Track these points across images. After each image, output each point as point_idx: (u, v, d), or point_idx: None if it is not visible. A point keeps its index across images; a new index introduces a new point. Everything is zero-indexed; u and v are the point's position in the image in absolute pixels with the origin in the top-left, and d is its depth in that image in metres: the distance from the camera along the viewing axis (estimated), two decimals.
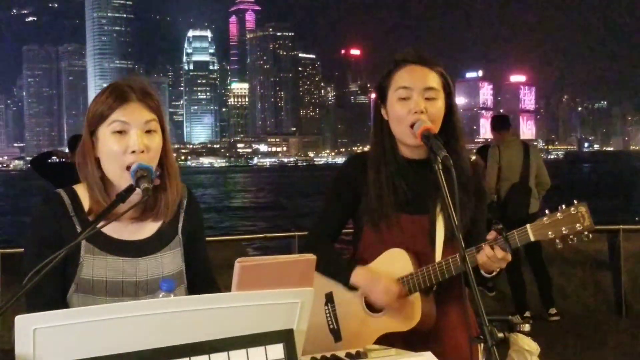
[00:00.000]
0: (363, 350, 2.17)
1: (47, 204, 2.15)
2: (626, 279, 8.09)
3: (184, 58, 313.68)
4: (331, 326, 2.65)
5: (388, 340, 2.44)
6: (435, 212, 2.50)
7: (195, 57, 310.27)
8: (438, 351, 2.32)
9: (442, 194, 2.16)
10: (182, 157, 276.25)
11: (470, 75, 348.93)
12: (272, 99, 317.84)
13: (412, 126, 2.41)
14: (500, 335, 1.92)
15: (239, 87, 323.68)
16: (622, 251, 8.07)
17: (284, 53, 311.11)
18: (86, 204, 2.15)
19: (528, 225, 2.30)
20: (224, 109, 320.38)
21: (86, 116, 2.15)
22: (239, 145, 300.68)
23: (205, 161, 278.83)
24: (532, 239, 2.29)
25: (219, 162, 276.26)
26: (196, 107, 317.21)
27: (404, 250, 2.50)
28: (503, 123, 8.26)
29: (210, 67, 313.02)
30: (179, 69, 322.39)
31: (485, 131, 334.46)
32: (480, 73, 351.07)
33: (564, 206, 2.27)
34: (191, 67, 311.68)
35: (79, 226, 2.13)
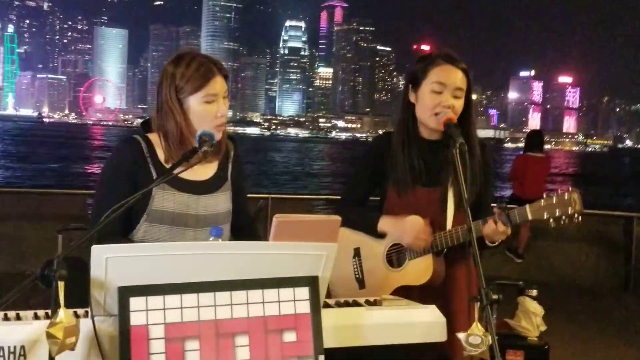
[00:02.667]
0: (379, 298, 2.20)
1: (127, 145, 2.22)
2: (636, 260, 7.91)
3: (281, 44, 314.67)
4: (357, 276, 2.69)
5: (404, 291, 2.47)
6: (447, 185, 2.51)
7: (290, 44, 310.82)
8: (444, 305, 2.34)
9: (453, 170, 2.17)
10: (273, 127, 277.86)
11: (523, 73, 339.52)
12: (351, 83, 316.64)
13: (436, 114, 2.44)
14: (495, 296, 1.92)
15: (325, 71, 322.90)
16: (635, 236, 7.91)
17: (364, 45, 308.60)
18: (159, 150, 2.23)
19: (527, 205, 2.31)
20: (310, 89, 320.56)
21: (170, 85, 2.18)
22: (321, 120, 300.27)
23: (292, 131, 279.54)
24: (530, 217, 2.30)
25: (303, 133, 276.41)
26: (288, 86, 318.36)
27: (420, 218, 2.50)
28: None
29: (302, 53, 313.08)
30: (275, 52, 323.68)
31: (535, 123, 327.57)
32: (532, 72, 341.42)
33: (559, 191, 2.26)
34: (286, 51, 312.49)
35: (152, 167, 2.20)
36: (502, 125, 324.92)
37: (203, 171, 2.28)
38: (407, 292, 2.44)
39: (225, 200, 2.31)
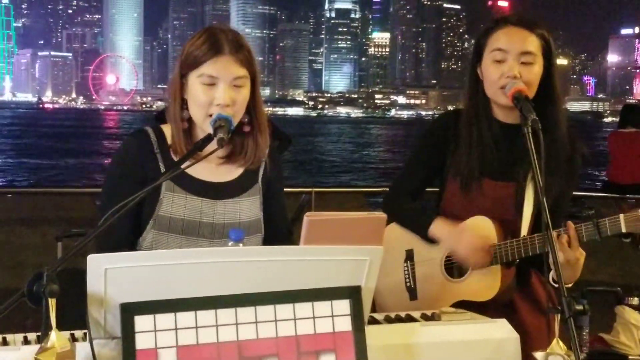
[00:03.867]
0: (438, 312, 2.19)
1: (134, 139, 2.26)
2: None
3: (326, 5, 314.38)
4: (408, 284, 2.69)
5: (464, 308, 2.44)
6: (524, 181, 2.49)
7: (337, 5, 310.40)
8: (517, 318, 2.31)
9: (532, 161, 2.13)
10: (320, 106, 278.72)
11: (625, 31, 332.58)
12: (413, 50, 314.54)
13: (502, 87, 2.42)
14: (579, 307, 1.89)
15: (380, 37, 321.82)
16: None
17: (428, 2, 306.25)
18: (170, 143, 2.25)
19: (621, 216, 2.28)
20: (363, 59, 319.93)
21: (180, 56, 2.23)
22: (377, 96, 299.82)
23: (342, 111, 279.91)
24: (624, 230, 2.26)
25: (355, 113, 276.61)
26: (336, 56, 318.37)
27: (489, 219, 2.48)
28: None
29: (352, 16, 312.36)
30: (320, 16, 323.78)
31: (638, 91, 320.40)
32: (637, 30, 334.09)
33: None
34: (332, 14, 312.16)
35: (162, 164, 2.23)
36: (600, 95, 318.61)
37: (227, 171, 2.29)
38: (467, 308, 2.41)
39: (252, 207, 2.31)
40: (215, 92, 2.15)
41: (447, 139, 2.60)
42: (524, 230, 2.48)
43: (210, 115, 2.14)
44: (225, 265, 1.75)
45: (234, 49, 2.18)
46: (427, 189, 2.78)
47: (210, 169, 2.25)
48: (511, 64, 2.43)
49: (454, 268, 2.57)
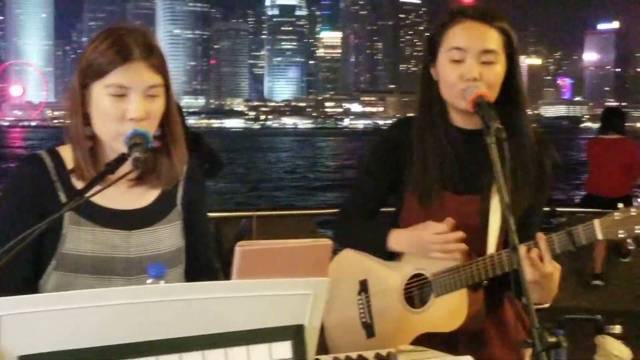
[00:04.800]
0: (394, 351, 2.18)
1: (27, 166, 2.19)
2: None
3: (267, 1, 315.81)
4: (364, 319, 2.68)
5: (429, 341, 2.45)
6: (489, 193, 2.48)
7: (281, 1, 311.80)
8: (486, 354, 2.31)
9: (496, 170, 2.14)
10: (263, 117, 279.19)
11: (602, 26, 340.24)
12: (368, 51, 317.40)
13: (463, 91, 2.42)
14: (553, 339, 1.89)
15: (330, 37, 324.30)
16: None
17: None
18: (71, 167, 2.19)
19: (596, 221, 2.27)
20: (311, 62, 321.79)
21: (80, 63, 2.16)
22: (328, 104, 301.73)
23: (289, 121, 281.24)
24: (600, 237, 2.27)
25: (304, 123, 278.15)
26: (280, 59, 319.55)
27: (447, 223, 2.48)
28: None
29: (298, 13, 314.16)
30: (261, 14, 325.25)
31: (619, 94, 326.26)
32: (616, 24, 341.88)
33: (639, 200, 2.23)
34: (275, 12, 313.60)
35: (63, 193, 2.17)
36: (577, 98, 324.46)
37: (139, 195, 2.24)
38: (431, 343, 2.43)
39: (173, 235, 2.27)
40: (127, 104, 2.09)
41: (402, 151, 2.61)
42: (491, 246, 2.48)
43: (121, 135, 2.09)
44: (143, 306, 1.70)
45: (146, 53, 2.12)
46: (383, 209, 2.78)
47: (120, 195, 2.19)
48: (471, 64, 2.43)
49: (414, 297, 2.57)
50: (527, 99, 2.55)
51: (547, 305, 2.42)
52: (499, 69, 2.45)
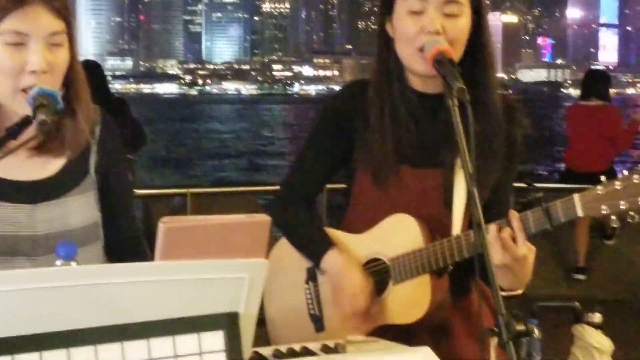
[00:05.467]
0: (343, 342, 2.20)
1: None
2: None
3: None
4: (312, 311, 2.71)
5: (386, 334, 2.48)
6: (452, 166, 2.50)
7: None
8: (448, 345, 2.34)
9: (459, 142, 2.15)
10: (200, 81, 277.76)
11: None
12: (321, 6, 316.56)
13: (422, 49, 2.42)
14: (521, 328, 1.92)
15: None
16: None
17: None
18: None
19: (576, 195, 2.30)
20: (256, 18, 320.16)
21: None
22: (276, 67, 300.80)
23: (230, 87, 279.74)
24: (581, 213, 2.29)
25: (247, 89, 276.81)
26: (220, 15, 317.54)
27: (412, 218, 2.51)
28: None
29: None
30: None
31: (607, 55, 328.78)
32: None
33: (625, 172, 2.26)
34: None
35: None
36: (559, 61, 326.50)
37: (42, 164, 2.22)
38: (390, 335, 2.44)
39: (86, 208, 2.27)
40: (26, 54, 2.07)
41: (352, 119, 2.62)
42: (456, 227, 2.52)
43: (24, 90, 2.07)
44: (52, 292, 1.70)
45: None
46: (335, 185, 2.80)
47: (20, 164, 2.18)
48: (432, 15, 2.43)
49: (371, 283, 2.58)
50: (494, 60, 2.58)
51: (519, 292, 2.45)
52: (463, 23, 2.48)
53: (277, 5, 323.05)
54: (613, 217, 2.27)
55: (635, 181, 2.23)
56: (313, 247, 2.65)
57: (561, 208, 2.30)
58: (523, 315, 2.03)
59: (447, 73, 2.25)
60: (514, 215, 2.32)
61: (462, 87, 2.17)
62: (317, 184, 2.74)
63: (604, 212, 2.26)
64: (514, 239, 2.31)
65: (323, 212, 7.87)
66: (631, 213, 2.24)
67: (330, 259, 2.59)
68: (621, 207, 2.23)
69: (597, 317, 4.44)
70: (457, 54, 2.43)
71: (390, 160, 2.55)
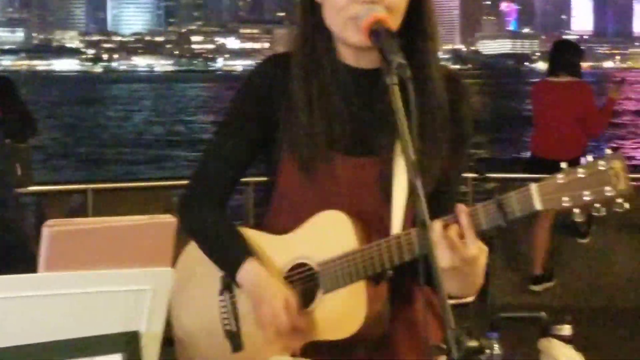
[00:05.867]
0: None
1: None
2: None
3: None
4: (228, 327, 2.70)
5: (316, 351, 2.51)
6: (391, 154, 2.52)
7: None
8: None
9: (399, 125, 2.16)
10: (105, 56, 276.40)
11: None
12: None
13: (355, 18, 2.43)
14: (473, 344, 1.94)
15: None
16: None
17: None
18: None
19: (533, 186, 2.31)
20: None
21: None
22: (195, 38, 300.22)
23: (142, 62, 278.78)
24: (539, 207, 2.30)
25: (162, 65, 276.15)
26: None
27: (344, 214, 2.52)
28: None
29: None
30: None
31: (581, 23, 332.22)
32: None
33: (589, 158, 2.28)
34: None
35: None
36: (525, 30, 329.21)
37: None
38: (321, 352, 2.48)
39: None
40: None
41: (273, 99, 2.63)
42: (396, 224, 2.53)
43: None
44: None
45: None
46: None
47: None
48: None
49: (296, 293, 2.58)
50: (437, 31, 2.61)
51: (471, 298, 2.48)
52: None
53: None
54: (576, 211, 2.29)
55: (601, 168, 2.24)
56: (227, 256, 2.64)
57: (516, 201, 2.31)
58: (478, 329, 2.05)
59: (385, 45, 2.27)
60: (462, 210, 2.33)
61: (403, 62, 2.18)
62: (232, 177, 2.72)
63: (565, 204, 2.28)
64: (462, 237, 2.32)
65: (250, 210, 7.88)
66: (597, 205, 2.26)
67: (248, 272, 2.58)
68: (585, 198, 2.25)
69: (566, 329, 4.47)
70: (395, 23, 2.45)
71: (320, 147, 2.55)
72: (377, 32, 2.33)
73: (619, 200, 2.26)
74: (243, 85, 2.72)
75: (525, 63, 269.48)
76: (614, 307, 8.13)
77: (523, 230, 8.13)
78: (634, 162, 30.33)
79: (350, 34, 2.47)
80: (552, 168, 2.36)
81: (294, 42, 2.65)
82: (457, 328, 1.97)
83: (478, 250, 2.33)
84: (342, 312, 2.53)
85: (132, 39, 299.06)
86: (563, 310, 4.72)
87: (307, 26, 2.61)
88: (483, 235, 2.36)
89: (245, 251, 2.60)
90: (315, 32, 2.59)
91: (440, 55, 2.68)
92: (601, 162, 2.25)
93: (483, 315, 6.00)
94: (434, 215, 2.28)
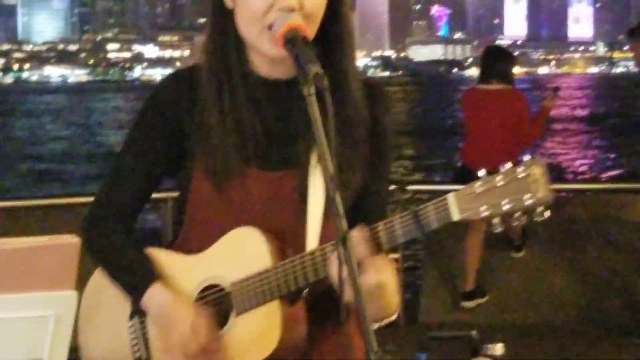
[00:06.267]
0: None
1: None
2: None
3: None
4: (137, 354, 2.69)
5: None
6: (308, 167, 2.54)
7: None
8: None
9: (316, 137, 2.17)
10: (16, 66, 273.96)
11: None
12: None
13: (270, 26, 2.44)
14: None
15: None
16: None
17: None
18: None
19: (450, 195, 2.32)
20: None
21: None
22: (111, 47, 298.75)
23: (55, 72, 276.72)
24: (456, 217, 2.31)
25: (77, 75, 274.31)
26: None
27: (258, 231, 2.52)
28: None
29: None
30: None
31: (515, 27, 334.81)
32: None
33: (507, 166, 2.31)
34: None
35: None
36: (457, 35, 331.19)
37: None
38: None
39: None
40: None
41: (182, 112, 2.63)
42: (312, 240, 2.54)
43: None
44: None
45: None
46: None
47: None
48: None
49: (210, 316, 2.57)
50: (354, 38, 2.63)
51: (392, 318, 2.48)
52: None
53: None
54: (495, 221, 2.31)
55: (520, 175, 2.27)
56: (131, 281, 2.62)
57: (433, 211, 2.32)
58: (407, 350, 2.05)
59: (301, 54, 2.28)
60: (358, 236, 2.33)
61: (320, 72, 2.20)
62: (139, 194, 2.71)
63: (484, 214, 2.30)
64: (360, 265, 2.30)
65: (168, 227, 7.84)
66: (517, 214, 2.28)
67: (152, 297, 2.57)
68: (504, 207, 2.27)
69: (498, 348, 4.51)
70: (312, 31, 2.47)
71: (232, 161, 2.56)
72: (292, 40, 2.34)
73: (540, 209, 2.27)
74: (148, 99, 2.72)
75: (456, 69, 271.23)
76: (548, 323, 8.12)
77: (454, 244, 8.18)
78: (568, 171, 30.75)
79: (265, 44, 2.49)
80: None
81: (204, 51, 2.64)
82: (380, 351, 1.97)
83: (380, 276, 2.34)
84: (256, 334, 2.53)
85: (44, 48, 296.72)
86: (496, 328, 4.75)
87: (217, 34, 2.61)
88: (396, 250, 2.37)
89: (150, 275, 2.60)
90: (226, 41, 2.59)
91: (369, 61, 2.69)
92: (520, 169, 2.27)
93: (413, 334, 6.02)
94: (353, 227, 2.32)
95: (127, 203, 2.70)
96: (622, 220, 8.43)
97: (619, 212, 8.47)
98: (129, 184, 2.70)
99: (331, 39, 2.56)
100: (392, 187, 7.82)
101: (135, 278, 2.61)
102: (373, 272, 2.32)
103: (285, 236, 2.54)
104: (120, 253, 2.66)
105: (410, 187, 8.19)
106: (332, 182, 2.10)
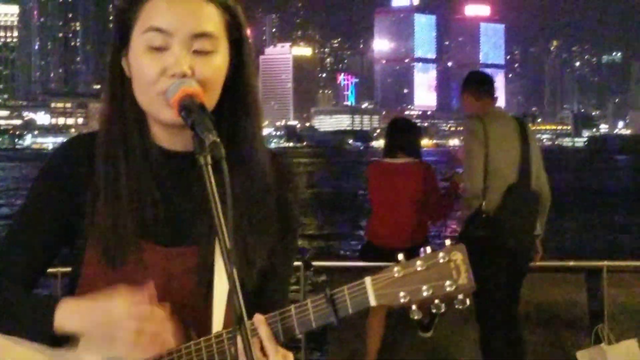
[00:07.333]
0: None
1: None
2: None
3: None
4: None
5: None
6: (211, 243, 2.51)
7: None
8: None
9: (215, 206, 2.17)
10: None
11: (399, 3, 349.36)
12: (60, 34, 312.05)
13: (165, 92, 2.41)
14: None
15: (1, 13, 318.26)
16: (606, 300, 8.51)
17: None
18: None
19: (368, 280, 2.30)
20: None
21: None
22: (0, 113, 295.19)
23: None
24: (373, 302, 2.29)
25: None
26: None
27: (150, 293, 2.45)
28: (485, 84, 8.44)
29: None
30: None
31: (424, 97, 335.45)
32: (416, 0, 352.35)
33: (428, 250, 2.29)
34: None
35: None
36: (365, 105, 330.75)
37: None
38: None
39: None
40: None
41: (78, 183, 2.57)
42: (218, 320, 2.49)
43: None
44: None
45: None
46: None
47: None
48: (177, 54, 2.42)
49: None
50: (259, 106, 2.63)
51: None
52: (218, 61, 2.49)
53: (1, 33, 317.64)
54: (413, 308, 2.27)
55: (441, 261, 2.26)
56: (37, 311, 2.47)
57: (349, 295, 2.29)
58: None
59: (197, 122, 2.25)
60: (260, 320, 2.32)
61: (215, 140, 2.18)
62: (33, 268, 2.59)
63: (402, 300, 2.27)
64: (264, 352, 2.30)
65: None
66: (436, 301, 2.26)
67: (67, 308, 2.44)
68: (423, 293, 2.25)
69: None
70: (211, 98, 2.45)
71: (126, 236, 2.50)
72: (187, 107, 2.30)
73: (460, 297, 2.25)
74: (42, 168, 2.64)
75: (362, 141, 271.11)
76: None
77: (360, 321, 8.12)
78: None
79: (160, 110, 2.45)
80: (390, 257, 2.36)
81: (101, 119, 2.60)
82: None
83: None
84: None
85: None
86: None
87: (116, 102, 2.57)
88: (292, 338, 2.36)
89: (51, 301, 2.47)
90: (125, 110, 2.56)
91: (273, 131, 2.69)
92: (441, 254, 2.26)
93: None
94: (262, 312, 2.32)
95: (19, 276, 2.61)
96: (532, 300, 8.50)
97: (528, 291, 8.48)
98: (20, 258, 2.61)
99: (235, 107, 2.56)
100: (296, 263, 7.81)
101: (41, 310, 2.47)
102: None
103: (187, 316, 2.48)
104: (19, 302, 2.53)
105: (316, 263, 8.09)
106: (229, 257, 2.10)
